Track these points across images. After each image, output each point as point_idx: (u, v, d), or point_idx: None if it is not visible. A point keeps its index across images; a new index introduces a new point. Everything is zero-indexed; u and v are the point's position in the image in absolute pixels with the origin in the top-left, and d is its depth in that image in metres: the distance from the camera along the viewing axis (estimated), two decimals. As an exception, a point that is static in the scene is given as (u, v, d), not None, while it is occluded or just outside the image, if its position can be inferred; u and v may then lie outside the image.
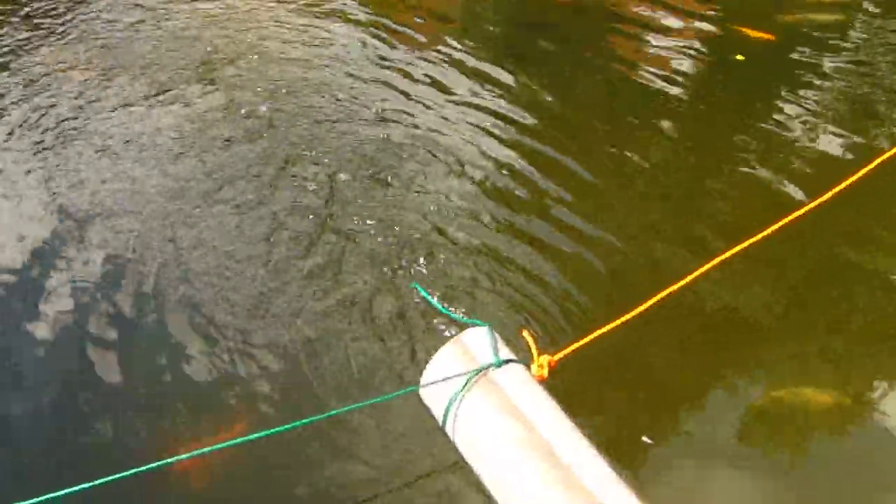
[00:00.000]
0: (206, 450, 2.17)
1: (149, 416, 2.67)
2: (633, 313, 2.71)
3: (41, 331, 2.99)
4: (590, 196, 3.86)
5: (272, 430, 2.21)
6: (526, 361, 2.51)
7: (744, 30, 5.56)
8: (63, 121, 4.27)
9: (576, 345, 2.60)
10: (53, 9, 5.69)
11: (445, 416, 2.36)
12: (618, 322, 2.67)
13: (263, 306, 3.05)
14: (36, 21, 5.51)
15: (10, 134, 4.14)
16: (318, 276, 3.19)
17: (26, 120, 4.27)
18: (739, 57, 5.26)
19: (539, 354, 2.52)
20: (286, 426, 2.23)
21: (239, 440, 2.21)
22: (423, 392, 2.50)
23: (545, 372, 2.46)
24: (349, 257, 3.30)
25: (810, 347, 3.12)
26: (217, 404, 2.72)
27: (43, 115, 4.31)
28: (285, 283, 3.15)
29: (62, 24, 5.47)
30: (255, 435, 2.18)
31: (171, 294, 3.11)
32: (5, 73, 4.77)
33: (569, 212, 3.70)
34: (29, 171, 3.84)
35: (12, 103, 4.43)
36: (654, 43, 5.51)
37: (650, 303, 2.75)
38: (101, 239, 3.40)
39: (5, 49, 5.09)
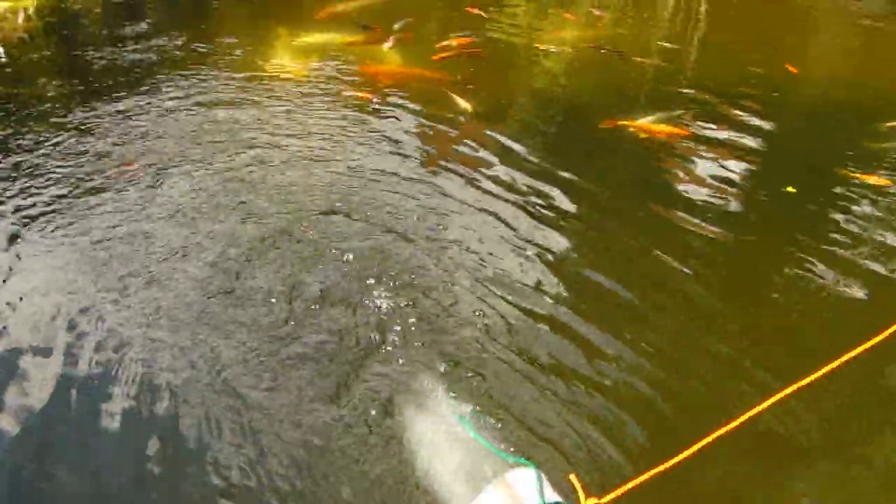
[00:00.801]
0: None
1: None
2: (689, 452, 2.63)
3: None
4: (633, 323, 3.83)
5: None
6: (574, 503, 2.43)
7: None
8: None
9: (625, 487, 2.50)
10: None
11: (489, 562, 2.28)
12: (672, 462, 2.58)
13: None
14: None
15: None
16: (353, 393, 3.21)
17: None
18: (790, 189, 5.25)
19: (586, 497, 2.44)
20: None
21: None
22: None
23: (593, 516, 2.37)
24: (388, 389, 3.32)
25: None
26: None
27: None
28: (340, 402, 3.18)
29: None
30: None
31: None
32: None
33: (611, 338, 3.68)
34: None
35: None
36: (700, 171, 5.58)
37: (708, 440, 2.67)
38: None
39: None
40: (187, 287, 4.03)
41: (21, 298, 3.97)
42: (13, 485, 2.97)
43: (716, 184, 5.29)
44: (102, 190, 5.02)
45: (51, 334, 3.69)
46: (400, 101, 6.65)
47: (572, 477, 2.52)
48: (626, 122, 6.24)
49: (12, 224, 4.64)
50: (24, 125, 6.04)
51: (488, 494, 2.44)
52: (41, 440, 3.15)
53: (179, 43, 8.22)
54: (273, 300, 3.92)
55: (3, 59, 7.59)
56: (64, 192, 5.00)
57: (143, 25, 8.89)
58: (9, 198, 4.92)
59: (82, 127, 6.00)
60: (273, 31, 8.61)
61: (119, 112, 6.30)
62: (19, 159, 5.45)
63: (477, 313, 3.85)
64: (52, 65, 7.67)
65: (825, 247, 4.55)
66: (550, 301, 4.00)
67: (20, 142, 5.72)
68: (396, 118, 6.30)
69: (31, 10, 8.68)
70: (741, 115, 6.47)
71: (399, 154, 5.63)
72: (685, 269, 4.30)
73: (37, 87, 6.95)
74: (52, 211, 4.79)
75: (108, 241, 4.46)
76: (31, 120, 6.17)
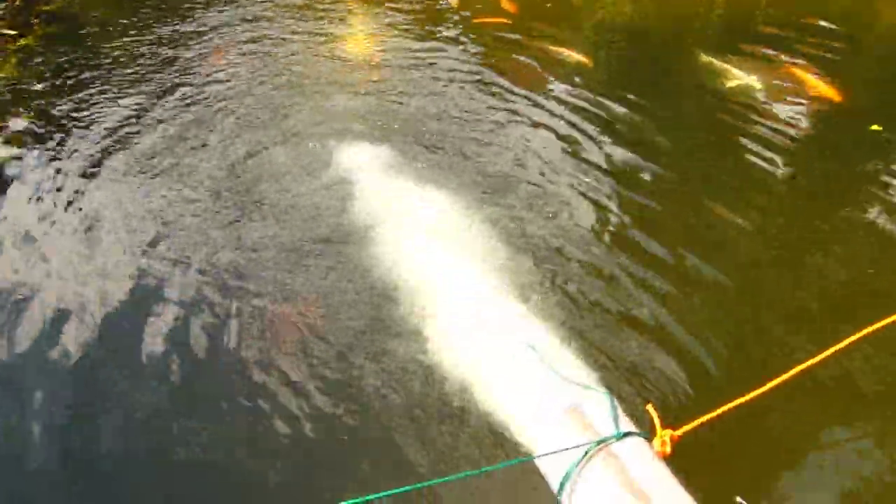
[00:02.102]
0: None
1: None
2: (766, 388, 2.57)
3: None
4: (715, 262, 3.73)
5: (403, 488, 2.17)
6: (647, 435, 2.40)
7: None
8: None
9: (701, 419, 2.46)
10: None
11: (562, 486, 2.27)
12: (749, 396, 2.53)
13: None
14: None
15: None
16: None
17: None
18: (876, 127, 4.97)
19: (662, 427, 2.40)
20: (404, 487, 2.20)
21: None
22: (538, 461, 2.43)
23: (668, 448, 2.34)
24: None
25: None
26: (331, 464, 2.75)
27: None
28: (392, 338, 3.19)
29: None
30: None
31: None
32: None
33: (688, 289, 3.58)
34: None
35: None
36: (779, 111, 5.31)
37: (784, 377, 2.61)
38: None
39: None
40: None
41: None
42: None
43: (794, 123, 5.04)
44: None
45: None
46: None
47: (649, 407, 2.49)
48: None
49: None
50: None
51: (561, 423, 2.42)
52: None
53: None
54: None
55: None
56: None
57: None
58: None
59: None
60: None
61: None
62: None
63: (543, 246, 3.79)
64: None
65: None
66: (619, 234, 3.92)
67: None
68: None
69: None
70: (821, 52, 6.13)
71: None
72: (760, 206, 4.16)
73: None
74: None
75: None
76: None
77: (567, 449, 2.27)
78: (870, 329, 2.93)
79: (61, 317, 3.41)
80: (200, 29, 6.62)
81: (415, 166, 4.47)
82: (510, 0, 7.33)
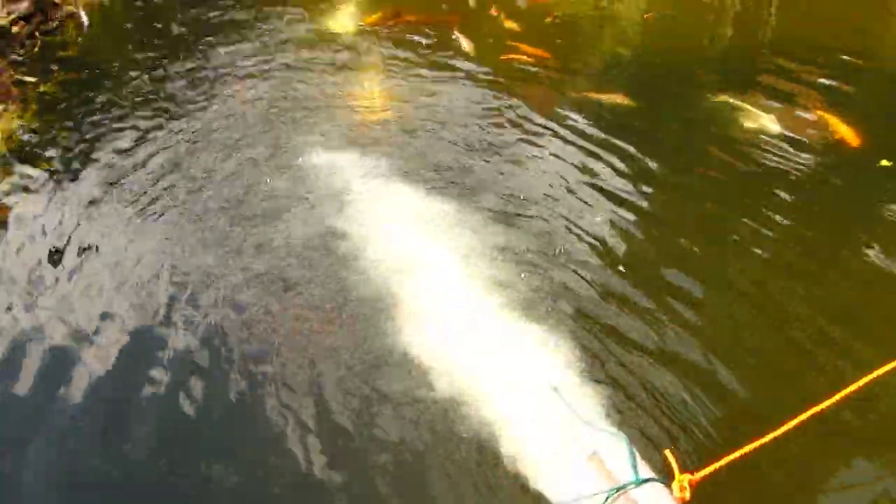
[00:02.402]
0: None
1: None
2: (786, 428, 2.57)
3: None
4: (726, 302, 3.74)
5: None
6: (665, 480, 2.40)
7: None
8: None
9: (719, 462, 2.46)
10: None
11: (581, 535, 2.28)
12: (769, 437, 2.53)
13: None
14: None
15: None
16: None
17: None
18: (885, 162, 4.93)
19: (680, 472, 2.41)
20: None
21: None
22: (557, 508, 2.44)
23: (687, 494, 2.34)
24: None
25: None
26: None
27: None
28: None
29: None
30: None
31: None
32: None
33: (702, 321, 3.59)
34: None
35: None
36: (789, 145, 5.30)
37: (804, 416, 2.61)
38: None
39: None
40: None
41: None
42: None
43: (804, 156, 5.05)
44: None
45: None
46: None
47: (667, 452, 2.49)
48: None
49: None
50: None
51: (582, 469, 2.44)
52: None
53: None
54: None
55: (87, 27, 7.74)
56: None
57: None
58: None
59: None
60: None
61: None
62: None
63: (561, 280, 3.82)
64: (130, 34, 7.81)
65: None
66: (628, 271, 3.96)
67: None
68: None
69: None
70: (831, 83, 6.13)
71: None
72: (770, 235, 4.20)
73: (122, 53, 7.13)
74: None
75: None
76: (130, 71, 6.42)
77: (587, 496, 2.28)
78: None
79: (63, 355, 3.50)
80: (217, 66, 6.76)
81: (432, 202, 4.53)
82: (513, 21, 7.45)
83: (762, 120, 5.44)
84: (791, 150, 5.10)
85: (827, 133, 5.31)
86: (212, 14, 8.14)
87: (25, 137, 5.54)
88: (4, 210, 4.62)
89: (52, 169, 5.10)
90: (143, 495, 2.91)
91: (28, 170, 5.11)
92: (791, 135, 5.27)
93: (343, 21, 7.88)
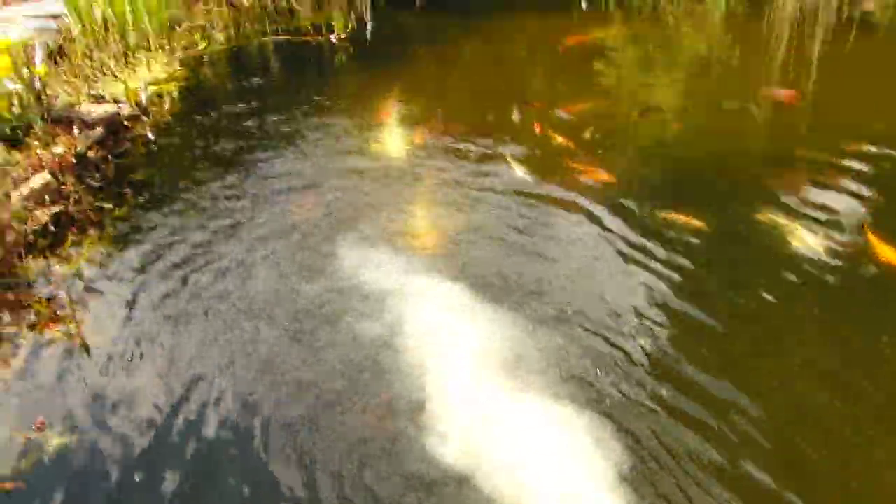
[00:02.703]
0: None
1: None
2: None
3: None
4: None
5: None
6: None
7: None
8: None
9: None
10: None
11: None
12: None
13: None
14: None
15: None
16: None
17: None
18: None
19: None
20: None
21: None
22: None
23: None
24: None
25: None
26: None
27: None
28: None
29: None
30: None
31: None
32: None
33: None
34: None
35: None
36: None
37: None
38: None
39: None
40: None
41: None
42: None
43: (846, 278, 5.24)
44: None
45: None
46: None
47: None
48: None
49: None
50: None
51: None
52: None
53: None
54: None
55: (154, 146, 8.29)
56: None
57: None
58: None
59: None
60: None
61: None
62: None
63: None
64: (192, 151, 8.35)
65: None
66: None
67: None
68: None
69: (174, 94, 9.40)
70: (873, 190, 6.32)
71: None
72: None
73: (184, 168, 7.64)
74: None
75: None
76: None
77: None
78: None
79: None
80: (272, 180, 7.20)
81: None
82: (558, 134, 7.77)
83: (808, 239, 5.60)
84: (832, 270, 5.29)
85: (874, 254, 5.48)
86: (264, 126, 8.72)
87: (103, 262, 5.96)
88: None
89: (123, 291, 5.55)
90: None
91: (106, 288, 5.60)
92: (834, 256, 5.46)
93: (392, 137, 8.33)
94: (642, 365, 4.45)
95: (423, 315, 4.98)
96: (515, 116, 8.69)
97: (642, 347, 4.61)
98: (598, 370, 4.42)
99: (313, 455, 3.95)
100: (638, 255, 5.62)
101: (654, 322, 4.85)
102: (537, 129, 8.06)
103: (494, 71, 10.80)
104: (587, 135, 7.88)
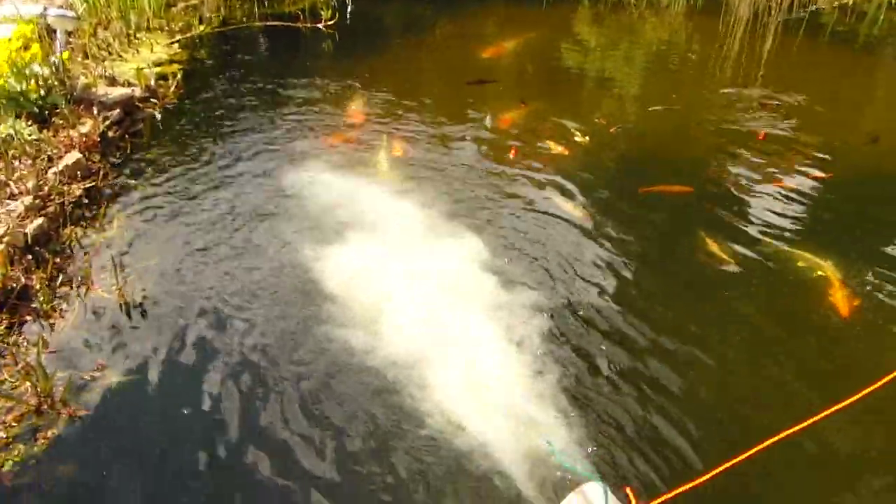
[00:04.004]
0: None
1: None
2: (731, 463, 3.80)
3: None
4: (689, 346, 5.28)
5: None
6: (630, 509, 3.63)
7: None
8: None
9: (665, 496, 3.68)
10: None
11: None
12: (712, 474, 3.76)
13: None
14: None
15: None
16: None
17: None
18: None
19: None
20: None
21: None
22: (556, 527, 3.65)
23: (642, 517, 3.56)
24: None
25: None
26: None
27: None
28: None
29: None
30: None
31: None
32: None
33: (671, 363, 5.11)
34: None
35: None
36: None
37: (744, 456, 3.84)
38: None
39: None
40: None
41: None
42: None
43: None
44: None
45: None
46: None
47: (628, 490, 3.72)
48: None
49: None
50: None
51: (569, 501, 3.66)
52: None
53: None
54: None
55: (159, 125, 9.17)
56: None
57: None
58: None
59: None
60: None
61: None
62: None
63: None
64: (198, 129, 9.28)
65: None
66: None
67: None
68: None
69: (179, 76, 10.21)
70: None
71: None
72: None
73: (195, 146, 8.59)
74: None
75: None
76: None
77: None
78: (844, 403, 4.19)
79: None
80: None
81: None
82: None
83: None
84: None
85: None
86: (259, 106, 9.71)
87: (131, 235, 6.90)
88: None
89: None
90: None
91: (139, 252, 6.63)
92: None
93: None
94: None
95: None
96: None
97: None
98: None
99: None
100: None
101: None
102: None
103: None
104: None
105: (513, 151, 8.54)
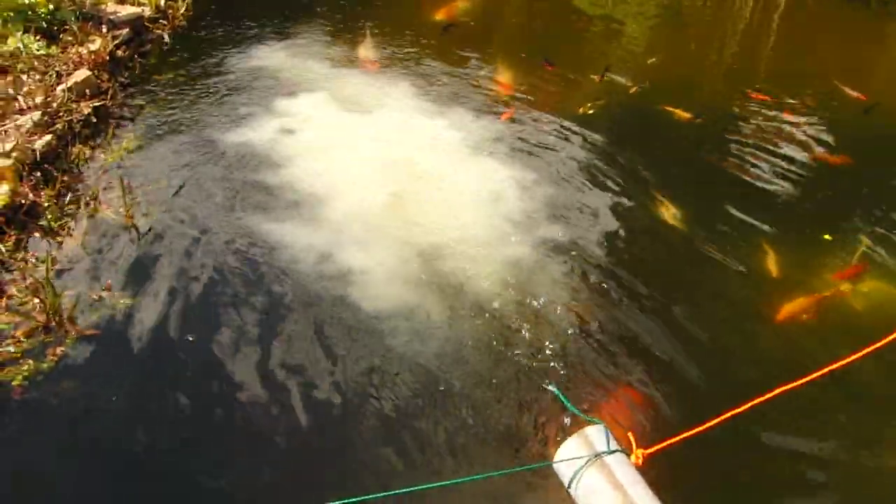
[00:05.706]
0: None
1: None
2: (722, 418, 3.83)
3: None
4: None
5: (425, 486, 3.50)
6: (627, 452, 3.67)
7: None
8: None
9: (664, 443, 3.72)
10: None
11: (570, 482, 3.56)
12: (709, 424, 3.80)
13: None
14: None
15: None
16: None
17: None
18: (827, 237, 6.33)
19: (637, 447, 3.67)
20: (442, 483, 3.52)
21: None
22: (555, 465, 3.71)
23: (640, 461, 3.61)
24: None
25: None
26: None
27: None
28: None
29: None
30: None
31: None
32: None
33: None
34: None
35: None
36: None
37: (734, 412, 3.88)
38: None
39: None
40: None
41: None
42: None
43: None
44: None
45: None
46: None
47: (629, 434, 3.76)
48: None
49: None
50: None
51: (572, 440, 3.71)
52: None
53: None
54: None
55: (168, 46, 9.01)
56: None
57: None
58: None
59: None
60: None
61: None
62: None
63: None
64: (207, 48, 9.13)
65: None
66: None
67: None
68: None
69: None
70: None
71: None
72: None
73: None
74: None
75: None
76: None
77: (576, 458, 3.56)
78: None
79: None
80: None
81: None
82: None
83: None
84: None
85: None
86: (263, 32, 9.63)
87: (140, 157, 6.84)
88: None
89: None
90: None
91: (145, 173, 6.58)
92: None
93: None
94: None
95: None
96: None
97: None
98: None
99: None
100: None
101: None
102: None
103: None
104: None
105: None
